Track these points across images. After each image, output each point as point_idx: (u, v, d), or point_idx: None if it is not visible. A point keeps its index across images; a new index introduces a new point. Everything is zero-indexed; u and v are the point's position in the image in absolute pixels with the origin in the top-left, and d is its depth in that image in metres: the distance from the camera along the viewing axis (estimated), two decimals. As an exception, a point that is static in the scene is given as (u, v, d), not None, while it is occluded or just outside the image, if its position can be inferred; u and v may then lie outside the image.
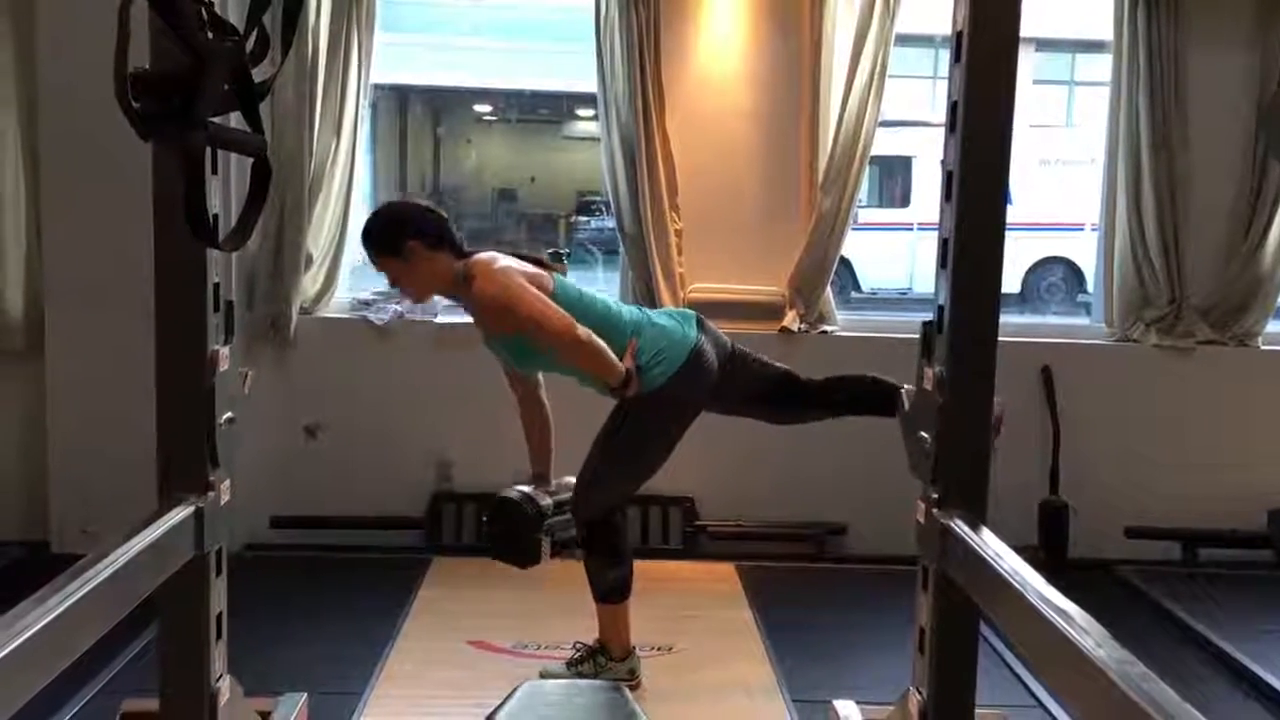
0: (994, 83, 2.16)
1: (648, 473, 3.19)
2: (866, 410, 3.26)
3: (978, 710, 2.32)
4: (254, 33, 1.67)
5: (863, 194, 4.70)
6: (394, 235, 3.03)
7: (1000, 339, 2.26)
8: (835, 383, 3.34)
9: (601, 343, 2.98)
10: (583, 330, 2.95)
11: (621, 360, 3.01)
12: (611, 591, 3.16)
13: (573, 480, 3.23)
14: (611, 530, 3.16)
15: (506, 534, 3.20)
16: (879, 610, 3.83)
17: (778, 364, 3.35)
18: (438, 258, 3.04)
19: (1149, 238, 4.47)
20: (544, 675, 3.18)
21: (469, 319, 4.43)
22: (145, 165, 2.10)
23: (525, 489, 3.21)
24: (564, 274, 3.18)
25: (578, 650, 3.24)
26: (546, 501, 3.17)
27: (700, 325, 3.21)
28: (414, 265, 3.03)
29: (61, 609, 1.61)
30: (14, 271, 4.21)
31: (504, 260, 3.05)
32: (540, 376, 3.31)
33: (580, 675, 3.15)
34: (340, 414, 4.44)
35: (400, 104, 10.12)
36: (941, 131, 2.31)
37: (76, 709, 2.94)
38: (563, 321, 2.94)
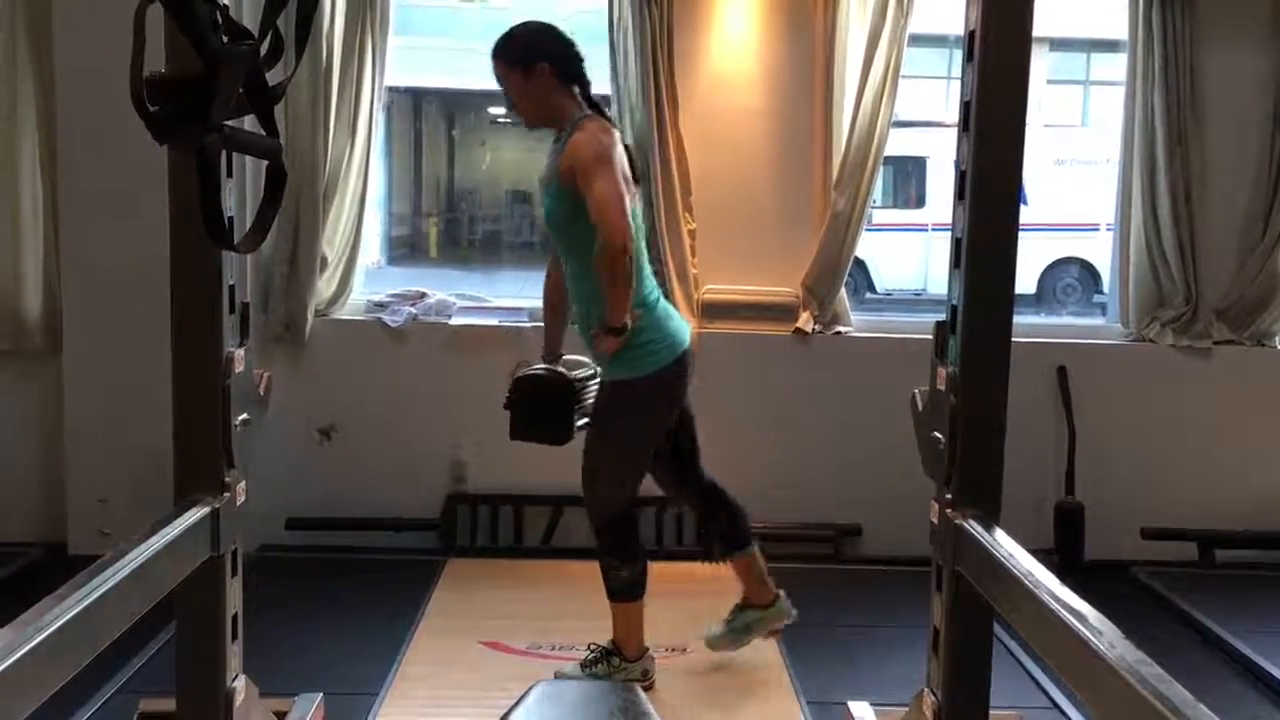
0: (1007, 82, 2.16)
1: (632, 464, 3.14)
2: (713, 534, 3.30)
3: (992, 712, 2.32)
4: (268, 36, 1.68)
5: (877, 195, 4.68)
6: (528, 50, 3.01)
7: (1015, 339, 2.26)
8: (716, 492, 3.32)
9: (634, 278, 2.94)
10: (633, 247, 2.89)
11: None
12: (625, 590, 3.16)
13: (581, 359, 3.21)
14: (625, 529, 3.16)
15: (539, 411, 3.16)
16: (893, 611, 3.83)
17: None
18: (562, 90, 3.02)
19: (1165, 237, 4.45)
20: (558, 676, 3.19)
21: (484, 320, 4.48)
22: (162, 168, 2.12)
23: (544, 367, 3.20)
24: None
25: (592, 651, 3.24)
26: (574, 374, 3.15)
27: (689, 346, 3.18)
28: (535, 87, 3.01)
29: (80, 608, 1.63)
30: (32, 272, 4.23)
31: (619, 144, 3.00)
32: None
33: (594, 676, 3.15)
34: (355, 416, 4.46)
35: (415, 107, 10.15)
36: (955, 132, 2.31)
37: (95, 709, 2.95)
38: (626, 222, 2.88)
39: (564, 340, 3.30)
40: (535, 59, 2.99)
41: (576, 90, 3.06)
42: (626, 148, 3.07)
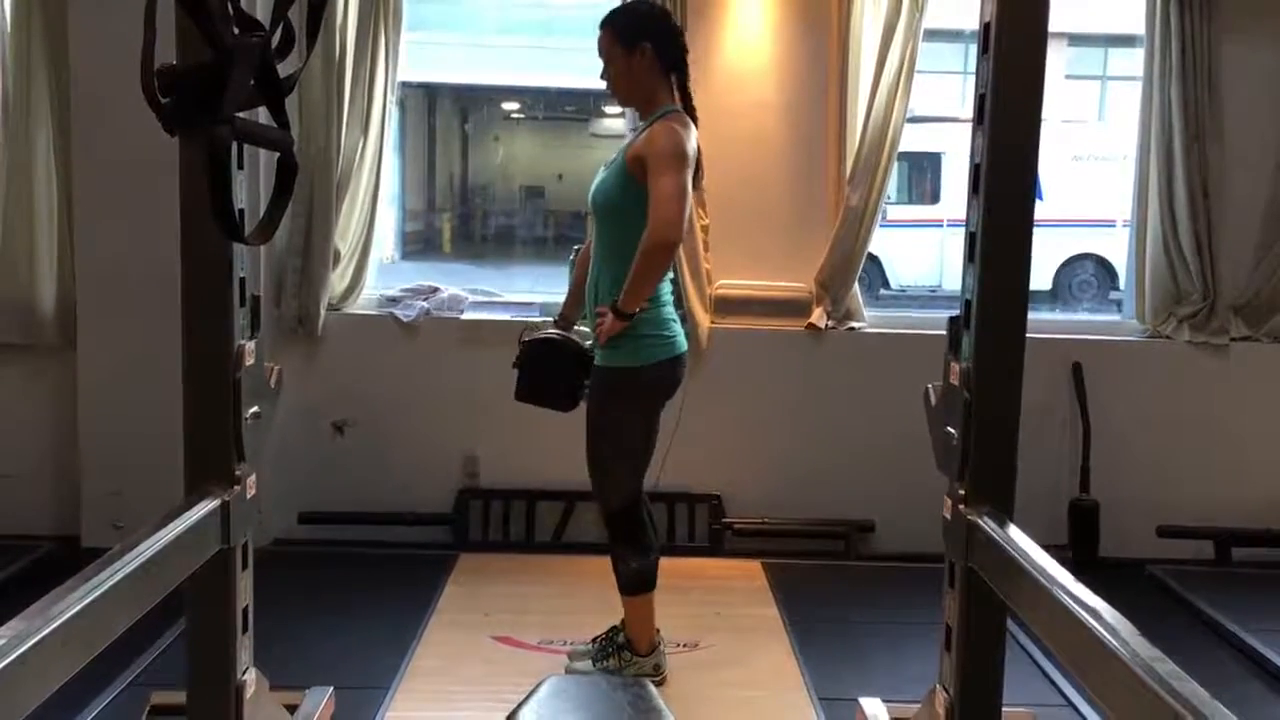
0: (1022, 75, 2.14)
1: (634, 451, 3.11)
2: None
3: (1005, 709, 2.30)
4: (279, 28, 1.67)
5: (891, 190, 4.66)
6: (635, 28, 3.01)
7: (1031, 335, 2.24)
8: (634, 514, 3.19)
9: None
10: (679, 244, 2.91)
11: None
12: (635, 583, 3.15)
13: (589, 330, 3.20)
14: (635, 521, 3.15)
15: (547, 377, 3.16)
16: (906, 608, 3.81)
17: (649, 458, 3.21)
18: (659, 75, 3.03)
19: (1181, 233, 4.42)
20: (569, 670, 3.18)
21: (496, 315, 4.48)
22: (174, 161, 2.12)
23: (557, 332, 3.19)
24: None
25: (599, 643, 3.22)
26: (589, 344, 3.14)
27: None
28: (634, 66, 3.01)
29: (89, 600, 1.63)
30: (46, 266, 4.25)
31: (696, 147, 3.01)
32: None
33: (606, 671, 3.15)
34: (368, 410, 4.46)
35: (428, 102, 10.16)
36: (971, 126, 2.29)
37: (107, 701, 2.97)
38: (683, 221, 2.89)
39: (580, 311, 3.26)
40: (641, 38, 2.99)
41: (674, 79, 3.06)
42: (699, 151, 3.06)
